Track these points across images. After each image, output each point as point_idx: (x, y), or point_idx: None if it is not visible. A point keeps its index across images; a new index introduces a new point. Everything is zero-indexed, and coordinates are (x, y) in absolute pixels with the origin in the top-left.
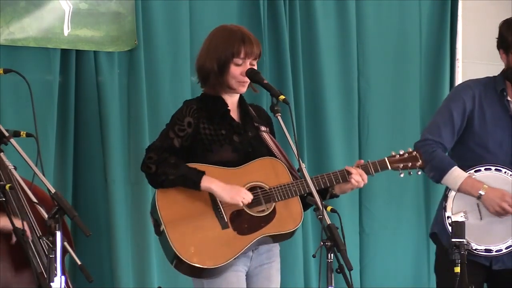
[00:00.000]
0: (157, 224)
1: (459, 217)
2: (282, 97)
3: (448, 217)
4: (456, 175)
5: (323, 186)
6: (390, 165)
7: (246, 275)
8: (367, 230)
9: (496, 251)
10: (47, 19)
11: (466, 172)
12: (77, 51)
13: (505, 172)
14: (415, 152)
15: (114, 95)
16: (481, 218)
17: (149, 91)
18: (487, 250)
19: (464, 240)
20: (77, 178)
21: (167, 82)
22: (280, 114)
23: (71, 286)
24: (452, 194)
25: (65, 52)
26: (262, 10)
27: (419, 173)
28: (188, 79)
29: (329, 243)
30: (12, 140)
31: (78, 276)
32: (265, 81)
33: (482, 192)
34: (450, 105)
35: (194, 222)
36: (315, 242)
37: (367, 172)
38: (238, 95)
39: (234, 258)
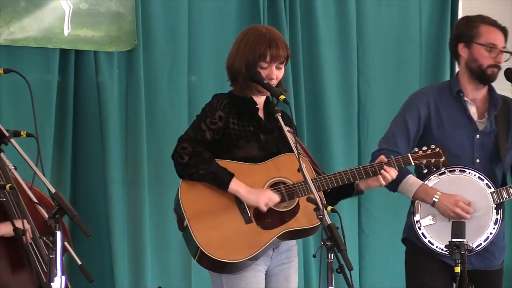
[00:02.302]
0: (180, 220)
1: (427, 221)
2: (282, 97)
3: (417, 221)
4: (411, 183)
5: (348, 181)
6: (413, 161)
7: (265, 274)
8: (366, 231)
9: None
10: (47, 19)
11: (431, 176)
12: (77, 51)
13: (469, 172)
14: (438, 149)
15: (113, 95)
16: (449, 220)
17: (147, 92)
18: None
19: (464, 240)
20: (76, 178)
21: (165, 82)
22: (280, 114)
23: (69, 286)
24: None
25: (64, 52)
26: (262, 10)
27: (443, 169)
28: (186, 79)
29: (329, 243)
30: (12, 140)
31: (74, 276)
32: (265, 81)
33: (435, 199)
34: (405, 113)
35: (218, 217)
36: (315, 242)
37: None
38: (265, 96)
39: (258, 252)
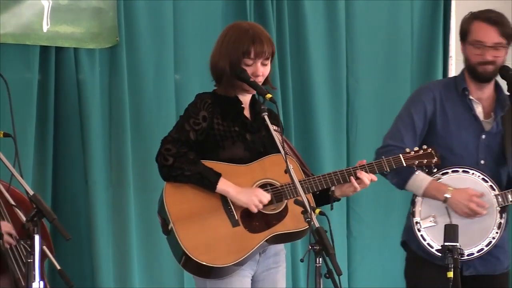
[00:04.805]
0: (165, 223)
1: (428, 222)
2: (269, 95)
3: (416, 222)
4: (421, 179)
5: (338, 183)
6: (404, 162)
7: (251, 279)
8: (354, 233)
9: (467, 255)
10: (25, 15)
11: (433, 175)
12: (57, 48)
13: (473, 173)
14: (430, 149)
15: (95, 94)
16: (451, 222)
17: (131, 90)
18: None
19: (458, 244)
20: (57, 179)
21: (150, 81)
22: (266, 113)
23: None
24: (419, 198)
25: (44, 49)
26: (249, 9)
27: (435, 170)
28: (172, 77)
29: (317, 247)
30: None
31: (58, 280)
32: (252, 79)
33: (448, 195)
34: (411, 108)
35: (204, 220)
36: (303, 246)
37: (381, 169)
38: (251, 95)
39: (245, 257)
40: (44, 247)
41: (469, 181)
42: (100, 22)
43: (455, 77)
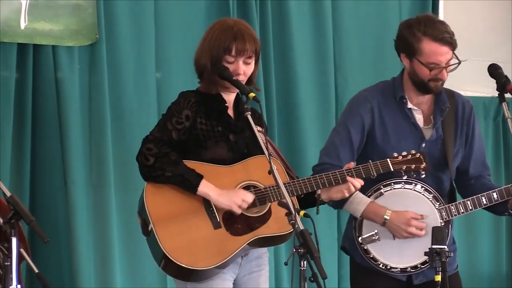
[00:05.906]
0: (145, 223)
1: (371, 238)
2: (252, 94)
3: (358, 236)
4: (358, 201)
5: (323, 187)
6: (392, 167)
7: (234, 282)
8: None
9: (412, 268)
10: (2, 11)
11: (374, 187)
12: (35, 45)
13: (415, 185)
14: (418, 154)
15: (74, 93)
16: (394, 237)
17: (111, 88)
18: (402, 270)
19: (445, 247)
20: (35, 180)
21: (131, 79)
22: (249, 113)
23: None
24: None
25: (22, 47)
26: (232, 8)
27: (423, 176)
28: (153, 75)
29: (302, 250)
30: None
31: (36, 283)
32: (234, 78)
33: (386, 217)
34: (347, 122)
35: (185, 221)
36: (287, 248)
37: (368, 173)
38: (235, 93)
39: (226, 260)
40: (22, 250)
41: (411, 196)
42: (79, 19)
43: (393, 82)
